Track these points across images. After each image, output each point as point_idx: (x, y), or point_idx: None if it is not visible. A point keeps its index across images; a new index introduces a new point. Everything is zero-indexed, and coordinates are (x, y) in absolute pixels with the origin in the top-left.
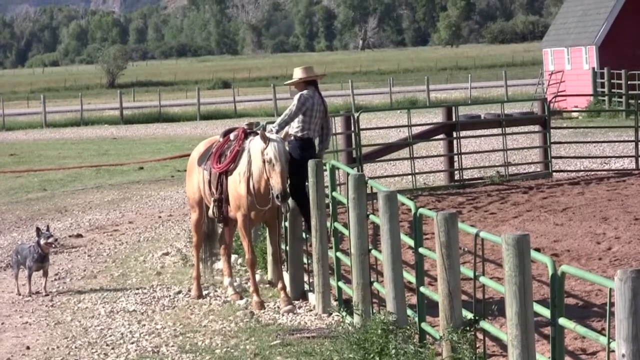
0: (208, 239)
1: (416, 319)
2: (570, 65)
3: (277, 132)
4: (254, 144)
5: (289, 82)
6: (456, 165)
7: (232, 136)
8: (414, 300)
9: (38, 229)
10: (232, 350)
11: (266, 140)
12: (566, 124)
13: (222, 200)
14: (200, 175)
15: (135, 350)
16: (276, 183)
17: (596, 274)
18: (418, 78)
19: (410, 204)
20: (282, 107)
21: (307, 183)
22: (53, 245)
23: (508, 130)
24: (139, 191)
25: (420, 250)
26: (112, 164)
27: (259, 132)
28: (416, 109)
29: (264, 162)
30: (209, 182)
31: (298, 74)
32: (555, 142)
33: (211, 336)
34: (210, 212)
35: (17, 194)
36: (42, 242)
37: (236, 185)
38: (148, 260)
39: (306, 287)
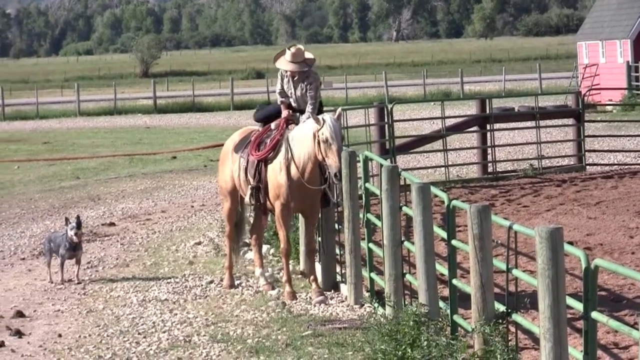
0: (237, 228)
1: (448, 311)
2: (604, 59)
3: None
4: (297, 130)
5: (298, 68)
6: (489, 157)
7: (272, 125)
8: (446, 292)
9: (67, 219)
10: (263, 340)
11: (320, 121)
12: (600, 117)
13: (260, 189)
14: (235, 164)
15: (167, 339)
16: (333, 162)
17: (629, 268)
18: (452, 70)
19: (444, 196)
20: None
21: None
22: (74, 240)
23: (542, 123)
24: (172, 180)
25: (453, 242)
26: (145, 153)
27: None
28: (450, 101)
29: (318, 142)
30: (246, 169)
31: (294, 66)
32: (589, 136)
33: (243, 326)
34: (247, 200)
35: (51, 182)
36: (68, 233)
37: (277, 175)
38: (180, 250)
39: (338, 278)
